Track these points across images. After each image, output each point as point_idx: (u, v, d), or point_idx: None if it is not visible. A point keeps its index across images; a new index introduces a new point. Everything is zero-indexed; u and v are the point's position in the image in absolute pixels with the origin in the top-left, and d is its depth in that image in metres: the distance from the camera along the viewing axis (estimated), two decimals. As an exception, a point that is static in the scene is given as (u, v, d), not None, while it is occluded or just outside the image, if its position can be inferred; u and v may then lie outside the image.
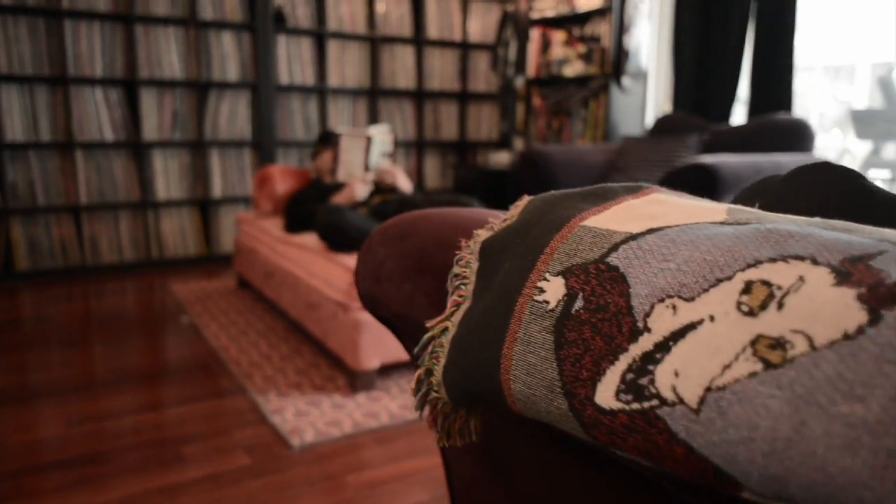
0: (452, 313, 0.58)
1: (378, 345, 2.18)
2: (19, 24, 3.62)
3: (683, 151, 3.35)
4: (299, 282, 2.59)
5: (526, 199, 0.62)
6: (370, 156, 2.80)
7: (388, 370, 2.35)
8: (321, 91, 4.51)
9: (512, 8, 3.88)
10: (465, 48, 5.03)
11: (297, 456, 1.79)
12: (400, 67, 4.81)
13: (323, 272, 2.40)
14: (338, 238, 2.35)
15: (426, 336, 0.58)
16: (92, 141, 3.84)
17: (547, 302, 0.47)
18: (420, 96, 4.91)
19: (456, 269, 0.60)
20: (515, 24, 3.89)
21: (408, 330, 0.75)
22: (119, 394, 2.19)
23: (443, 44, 4.94)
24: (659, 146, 3.43)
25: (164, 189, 4.11)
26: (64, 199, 3.83)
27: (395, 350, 2.22)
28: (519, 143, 5.00)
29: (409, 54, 4.84)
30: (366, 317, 2.15)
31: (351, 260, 2.27)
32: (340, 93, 4.61)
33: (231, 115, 4.22)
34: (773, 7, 3.29)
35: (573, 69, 4.22)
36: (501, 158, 4.93)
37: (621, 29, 3.88)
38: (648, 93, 4.12)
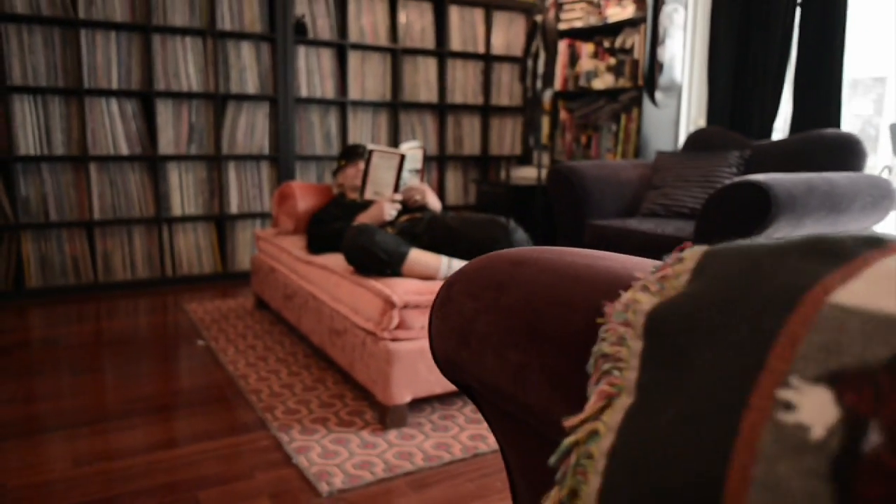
0: (603, 410, 0.42)
1: (410, 377, 2.02)
2: (34, 34, 3.51)
3: (723, 169, 3.18)
4: (323, 306, 2.43)
5: (696, 249, 0.46)
6: (402, 175, 2.65)
7: (419, 403, 2.18)
8: (341, 104, 4.38)
9: (540, 18, 3.73)
10: (488, 60, 4.89)
11: (326, 504, 1.63)
12: (422, 80, 4.68)
13: (349, 297, 2.25)
14: (367, 261, 2.19)
15: (567, 441, 0.42)
16: (106, 154, 3.72)
17: (805, 427, 0.30)
18: (442, 109, 4.77)
19: (605, 348, 0.44)
20: (544, 35, 3.75)
21: (507, 407, 0.58)
22: (131, 428, 2.03)
23: (465, 56, 4.80)
24: (697, 163, 3.27)
25: (180, 204, 3.98)
26: (77, 214, 3.71)
27: (428, 382, 2.05)
28: (544, 159, 4.85)
29: (432, 66, 4.71)
30: (397, 347, 1.99)
31: (380, 284, 2.11)
32: (361, 105, 4.48)
33: (249, 129, 4.10)
34: (821, 17, 3.13)
35: (603, 82, 4.07)
36: (526, 174, 4.78)
37: (655, 40, 3.72)
38: (682, 107, 3.96)
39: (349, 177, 3.04)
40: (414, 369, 2.02)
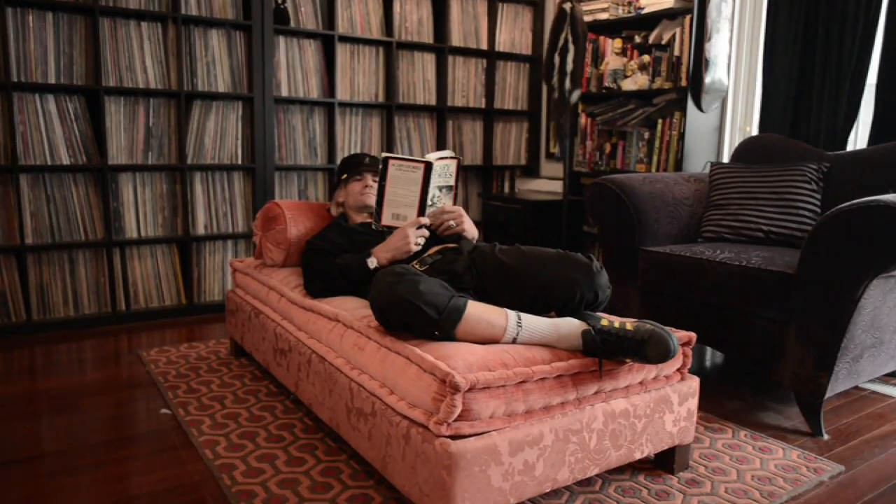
0: None
1: (479, 489, 1.41)
2: (-54, 14, 2.80)
3: (801, 185, 2.66)
4: (336, 374, 1.81)
5: None
6: (428, 190, 2.05)
7: (480, 516, 1.57)
8: (328, 105, 3.75)
9: (569, 6, 3.18)
10: (491, 58, 4.32)
11: None
12: (419, 79, 4.08)
13: (380, 367, 1.63)
14: (408, 318, 1.58)
15: None
16: (42, 164, 3.01)
17: None
18: (441, 113, 4.17)
19: None
20: (573, 27, 3.20)
21: None
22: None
23: (467, 52, 4.22)
24: (766, 177, 2.74)
25: (135, 224, 3.29)
26: (4, 238, 2.99)
27: (502, 493, 1.45)
28: (558, 170, 4.29)
29: (430, 64, 4.11)
30: (462, 447, 1.39)
31: (428, 352, 1.51)
32: (350, 107, 3.85)
33: (219, 133, 3.43)
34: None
35: (635, 83, 3.53)
36: (537, 186, 4.22)
37: (702, 35, 3.20)
38: (726, 112, 3.45)
39: (354, 194, 2.42)
40: (485, 478, 1.41)
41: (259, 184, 3.52)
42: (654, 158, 3.48)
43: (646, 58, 3.48)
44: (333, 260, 2.15)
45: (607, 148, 3.80)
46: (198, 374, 2.53)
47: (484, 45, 4.28)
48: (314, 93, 3.69)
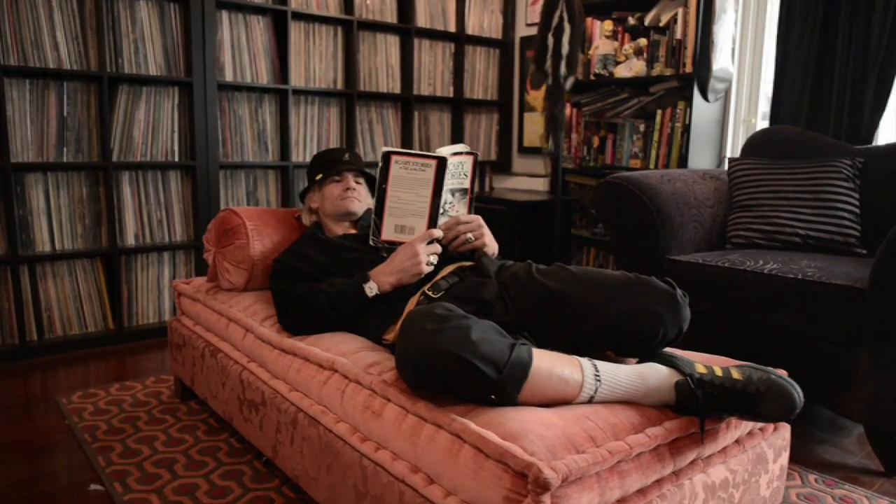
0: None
1: None
2: None
3: (837, 182, 2.37)
4: (340, 445, 1.34)
5: None
6: (440, 195, 1.61)
7: None
8: (280, 93, 3.23)
9: (564, -20, 2.79)
10: (460, 42, 3.89)
11: None
12: (382, 63, 3.61)
13: (410, 443, 1.18)
14: (457, 380, 1.13)
15: None
16: (-79, 164, 2.39)
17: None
18: (407, 102, 3.71)
19: None
20: (568, 4, 2.81)
21: None
22: None
23: (434, 35, 3.78)
24: (796, 175, 2.44)
25: (47, 235, 2.70)
26: None
27: None
28: (539, 167, 3.91)
29: (394, 47, 3.64)
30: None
31: (495, 431, 1.07)
32: (306, 95, 3.34)
33: (151, 125, 2.87)
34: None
35: (630, 69, 3.18)
36: (514, 185, 3.82)
37: (709, 16, 2.88)
38: (730, 102, 3.14)
39: (332, 199, 1.95)
40: None
41: (201, 185, 2.97)
42: (653, 153, 3.14)
43: (642, 41, 3.13)
44: (317, 285, 1.67)
45: (595, 142, 3.44)
46: (136, 428, 2.01)
47: (452, 27, 3.84)
48: (263, 78, 3.16)
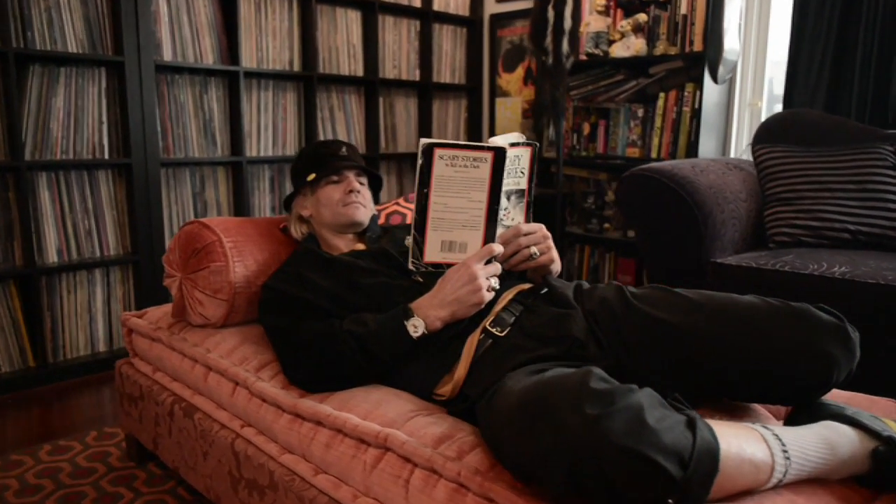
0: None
1: None
2: None
3: (883, 171, 2.15)
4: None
5: None
6: (499, 198, 1.23)
7: None
8: (229, 75, 2.74)
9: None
10: (426, 19, 3.48)
11: None
12: (342, 42, 3.16)
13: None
14: (629, 481, 0.75)
15: None
16: None
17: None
18: (372, 87, 3.29)
19: None
20: (568, -28, 2.47)
21: None
22: None
23: (398, 10, 3.36)
24: (836, 163, 2.20)
25: (-58, 257, 2.14)
26: None
27: None
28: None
29: (355, 23, 3.20)
30: None
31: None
32: (258, 78, 2.86)
33: (73, 115, 2.34)
34: None
35: (628, 48, 2.87)
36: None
37: (721, -14, 2.60)
38: (735, 84, 2.89)
39: (331, 205, 1.54)
40: None
41: (138, 186, 2.46)
42: (654, 141, 2.85)
43: (641, 17, 2.83)
44: (337, 323, 1.26)
45: (585, 129, 3.13)
46: (81, 511, 1.53)
47: (417, 2, 3.43)
48: (209, 57, 2.67)
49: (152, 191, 2.49)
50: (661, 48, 2.78)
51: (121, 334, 2.52)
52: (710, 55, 2.64)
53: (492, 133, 3.77)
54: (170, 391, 1.53)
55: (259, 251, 1.56)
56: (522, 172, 1.34)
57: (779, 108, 2.89)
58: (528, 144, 1.32)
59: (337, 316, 1.31)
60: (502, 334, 1.20)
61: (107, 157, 2.42)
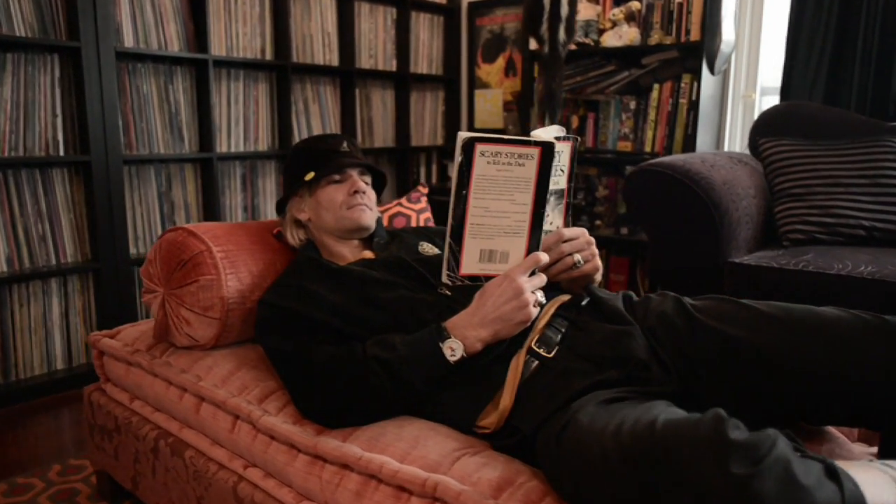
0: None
1: None
2: None
3: (891, 163, 2.07)
4: None
5: None
6: (545, 200, 1.08)
7: None
8: (197, 64, 2.52)
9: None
10: (403, 6, 3.30)
11: None
12: (317, 30, 2.96)
13: None
14: None
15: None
16: None
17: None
18: (348, 77, 3.09)
19: None
20: (565, -44, 2.33)
21: None
22: None
23: (375, -3, 3.17)
24: (845, 156, 2.13)
25: None
26: None
27: None
28: None
29: (329, 10, 3.00)
30: None
31: None
32: (228, 67, 2.64)
33: (22, 107, 2.09)
34: None
35: (621, 37, 2.75)
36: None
37: (718, -26, 2.50)
38: (729, 75, 2.81)
39: (334, 208, 1.37)
40: None
41: (98, 186, 2.22)
42: (649, 134, 2.75)
43: (634, 4, 2.72)
44: (358, 346, 1.09)
45: (574, 122, 3.01)
46: (50, 565, 1.32)
47: (394, -11, 3.26)
48: (174, 45, 2.44)
49: (114, 191, 2.26)
50: (655, 38, 2.67)
51: (81, 351, 2.29)
52: (707, 45, 2.54)
53: (470, 128, 3.62)
54: (153, 424, 1.33)
55: (253, 261, 1.37)
56: (562, 170, 1.19)
57: (771, 100, 2.83)
58: (567, 138, 1.18)
59: (351, 336, 1.15)
60: (550, 355, 1.06)
61: (62, 154, 2.17)
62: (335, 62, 3.04)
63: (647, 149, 2.75)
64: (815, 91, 2.52)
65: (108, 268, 2.27)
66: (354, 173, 1.42)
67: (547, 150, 1.06)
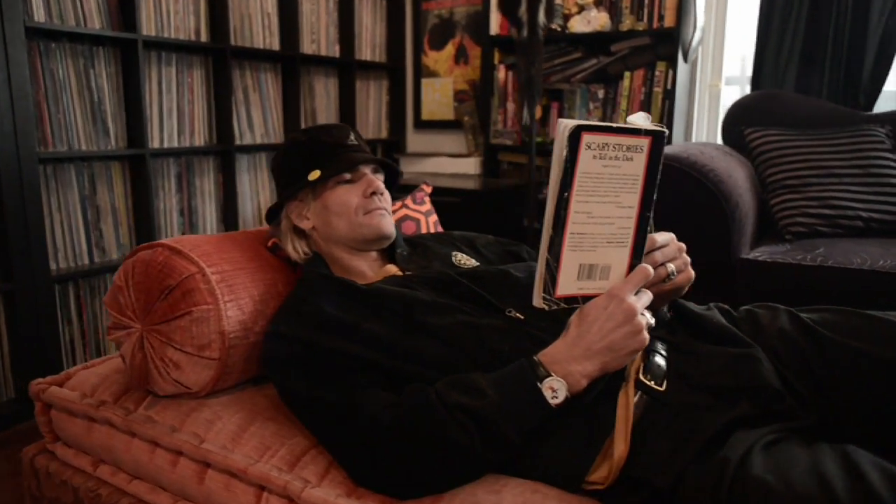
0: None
1: None
2: None
3: (882, 154, 2.05)
4: None
5: None
6: (651, 200, 0.89)
7: None
8: (124, 44, 2.15)
9: None
10: (345, -13, 3.03)
11: None
12: (255, 10, 2.64)
13: None
14: None
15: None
16: None
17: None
18: (291, 63, 2.79)
19: None
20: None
21: None
22: None
23: (316, -25, 2.88)
24: (836, 147, 2.09)
25: None
26: None
27: None
28: (459, 144, 3.22)
29: (269, -13, 2.69)
30: None
31: None
32: (158, 49, 2.28)
33: None
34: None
35: (589, 23, 2.61)
36: (445, 168, 3.11)
37: (692, -43, 2.41)
38: (697, 63, 2.73)
39: (347, 213, 1.15)
40: None
41: (8, 189, 1.83)
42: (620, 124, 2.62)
43: (603, -12, 2.59)
44: (430, 392, 0.87)
45: (537, 112, 2.85)
46: None
47: (336, -34, 2.97)
48: (94, 21, 2.06)
49: (28, 195, 1.87)
50: (627, 23, 2.55)
51: (-8, 389, 1.89)
52: (683, 32, 2.44)
53: (417, 120, 3.40)
54: (133, 497, 1.04)
55: (252, 283, 1.10)
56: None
57: (734, 90, 2.79)
58: (657, 127, 0.99)
59: (398, 375, 0.92)
60: (662, 388, 0.87)
61: (-40, 152, 1.77)
62: (276, 46, 2.73)
63: (619, 140, 2.63)
64: (787, 80, 2.48)
65: (24, 289, 1.88)
66: (368, 171, 1.18)
67: (658, 139, 0.87)
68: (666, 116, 2.53)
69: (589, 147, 0.83)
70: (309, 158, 1.17)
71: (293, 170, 1.18)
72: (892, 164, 2.03)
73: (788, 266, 1.71)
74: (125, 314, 1.05)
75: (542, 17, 2.25)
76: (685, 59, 2.50)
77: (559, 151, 0.82)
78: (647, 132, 0.86)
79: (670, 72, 2.49)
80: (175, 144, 2.35)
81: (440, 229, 1.54)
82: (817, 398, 0.89)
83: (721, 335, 0.95)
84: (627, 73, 2.59)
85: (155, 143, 2.28)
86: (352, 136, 1.21)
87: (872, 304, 1.10)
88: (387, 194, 1.20)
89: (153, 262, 1.04)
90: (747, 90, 2.72)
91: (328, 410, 0.90)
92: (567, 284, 0.87)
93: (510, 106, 2.88)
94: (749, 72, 2.60)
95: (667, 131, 0.88)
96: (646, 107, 2.56)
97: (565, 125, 0.82)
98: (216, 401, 1.05)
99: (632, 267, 0.90)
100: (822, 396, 0.89)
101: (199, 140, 2.44)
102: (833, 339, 0.91)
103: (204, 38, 2.42)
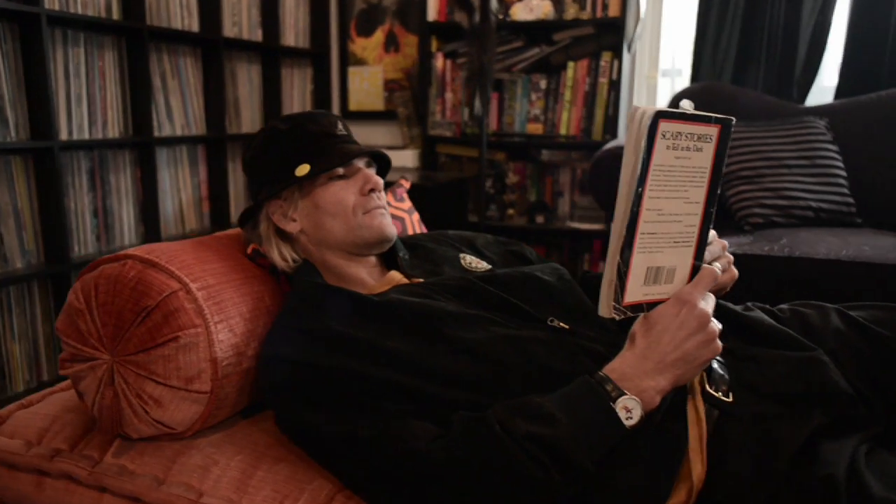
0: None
1: None
2: None
3: (824, 145, 2.13)
4: None
5: None
6: (716, 194, 0.81)
7: None
8: (25, 20, 1.86)
9: None
10: (267, -34, 2.81)
11: None
12: (172, -13, 2.38)
13: None
14: None
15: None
16: None
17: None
18: (213, 46, 2.54)
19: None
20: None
21: None
22: None
23: (237, -49, 2.64)
24: (784, 138, 2.14)
25: None
26: None
27: None
28: (395, 135, 3.08)
29: (187, -38, 2.43)
30: None
31: None
32: (66, 26, 2.00)
33: None
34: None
35: (532, 11, 2.55)
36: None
37: (636, -54, 2.39)
38: (634, 55, 2.74)
39: (343, 212, 1.01)
40: None
41: None
42: (564, 116, 2.59)
43: (545, -24, 2.53)
44: (489, 417, 0.75)
45: (476, 102, 2.76)
46: None
47: (257, -57, 2.74)
48: (-14, -8, 1.76)
49: (-88, 198, 1.57)
50: (571, 12, 2.51)
51: None
52: (628, 22, 2.43)
53: (343, 110, 3.22)
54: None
55: (241, 298, 0.94)
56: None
57: (667, 81, 2.82)
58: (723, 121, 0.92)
59: (431, 400, 0.80)
60: (730, 399, 0.81)
61: None
62: (195, 27, 2.48)
63: (563, 131, 2.60)
64: (724, 74, 2.53)
65: (-89, 308, 1.58)
66: (362, 164, 1.04)
67: (726, 128, 0.80)
68: (612, 107, 2.51)
69: (664, 136, 0.74)
70: (293, 151, 1.01)
71: (274, 164, 1.02)
72: (834, 155, 2.10)
73: (757, 258, 1.72)
74: (87, 343, 0.85)
75: (494, 3, 2.16)
76: (628, 50, 2.49)
77: (636, 142, 0.72)
78: (717, 120, 0.78)
79: (615, 62, 2.47)
80: (86, 136, 2.08)
81: (424, 229, 1.41)
82: (878, 401, 0.85)
83: (776, 338, 0.89)
84: (571, 63, 2.55)
85: (63, 135, 1.99)
86: (340, 126, 1.06)
87: (840, 295, 1.09)
88: (383, 191, 1.06)
89: (123, 279, 0.85)
90: (679, 82, 2.76)
91: (359, 447, 0.77)
92: (635, 290, 0.78)
93: (448, 96, 2.77)
94: (680, 64, 2.63)
95: (734, 120, 0.80)
96: (590, 97, 2.53)
97: (643, 112, 0.72)
98: (205, 441, 0.88)
99: (694, 268, 0.82)
100: (881, 398, 0.85)
101: (114, 131, 2.17)
102: (890, 338, 0.87)
103: (116, 15, 2.15)
